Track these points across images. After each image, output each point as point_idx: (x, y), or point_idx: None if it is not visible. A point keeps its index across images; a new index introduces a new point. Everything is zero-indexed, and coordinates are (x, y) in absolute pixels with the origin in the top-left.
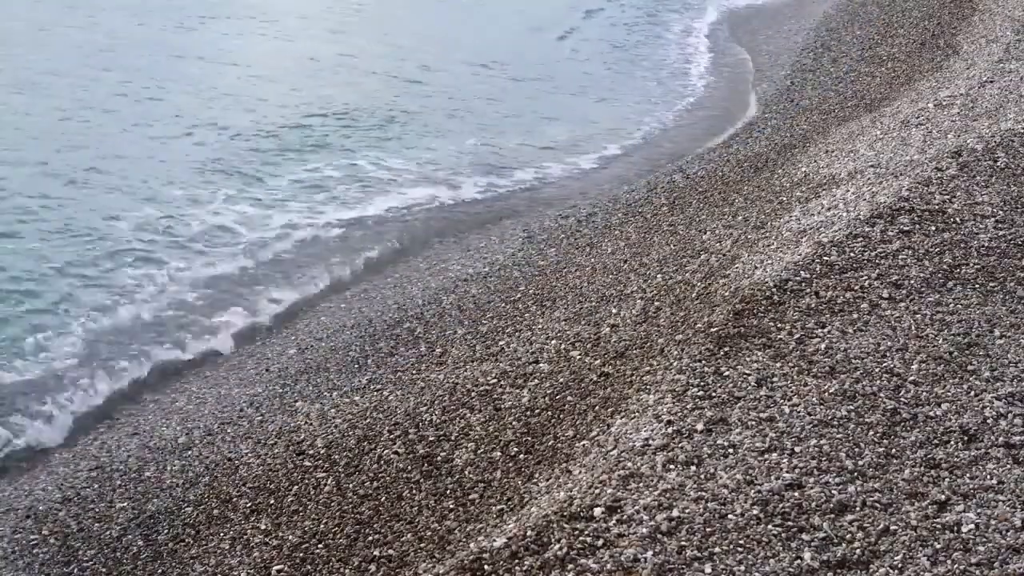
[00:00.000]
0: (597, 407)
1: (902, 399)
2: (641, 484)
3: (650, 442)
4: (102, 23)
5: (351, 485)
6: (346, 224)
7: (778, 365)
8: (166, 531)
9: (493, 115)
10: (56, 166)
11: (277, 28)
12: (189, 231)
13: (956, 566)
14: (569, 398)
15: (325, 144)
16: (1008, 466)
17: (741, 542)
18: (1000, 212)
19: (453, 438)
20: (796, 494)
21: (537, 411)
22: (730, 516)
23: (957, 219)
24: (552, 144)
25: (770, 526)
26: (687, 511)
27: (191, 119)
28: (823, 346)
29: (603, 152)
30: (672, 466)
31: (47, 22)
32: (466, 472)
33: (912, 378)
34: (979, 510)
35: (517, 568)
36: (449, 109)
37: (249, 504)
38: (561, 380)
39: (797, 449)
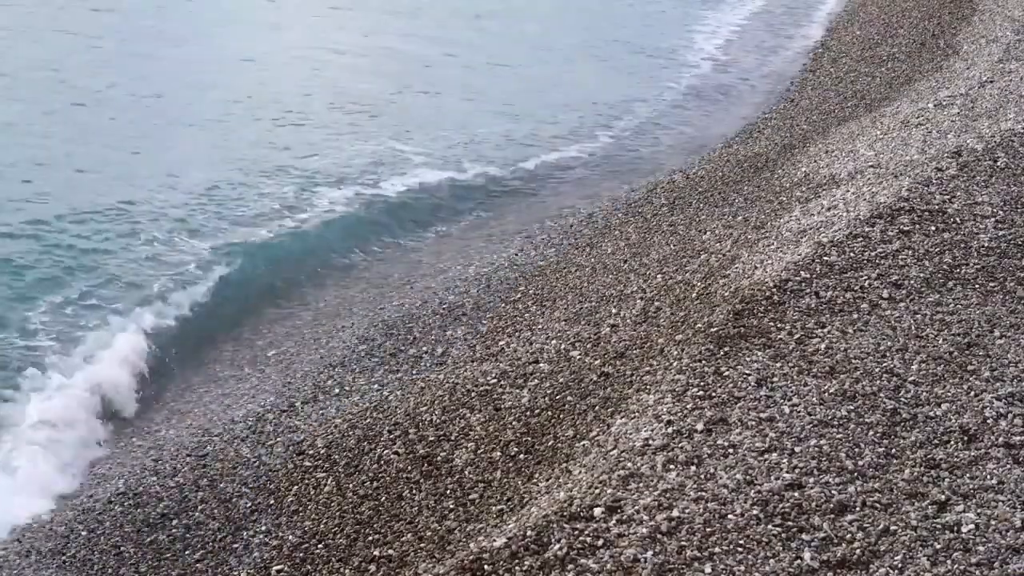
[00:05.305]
0: (597, 407)
1: (902, 399)
2: (641, 484)
3: (650, 442)
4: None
5: (351, 485)
6: None
7: (778, 365)
8: None
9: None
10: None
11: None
12: None
13: (956, 566)
14: (569, 398)
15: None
16: (1008, 466)
17: (741, 542)
18: (1000, 212)
19: (453, 438)
20: (796, 494)
21: (537, 411)
22: (730, 516)
23: (957, 219)
24: None
25: (770, 526)
26: (687, 511)
27: None
28: (823, 346)
29: None
30: (672, 466)
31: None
32: (466, 472)
33: (912, 378)
34: (979, 510)
35: (517, 568)
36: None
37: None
38: (561, 380)
39: (797, 449)
